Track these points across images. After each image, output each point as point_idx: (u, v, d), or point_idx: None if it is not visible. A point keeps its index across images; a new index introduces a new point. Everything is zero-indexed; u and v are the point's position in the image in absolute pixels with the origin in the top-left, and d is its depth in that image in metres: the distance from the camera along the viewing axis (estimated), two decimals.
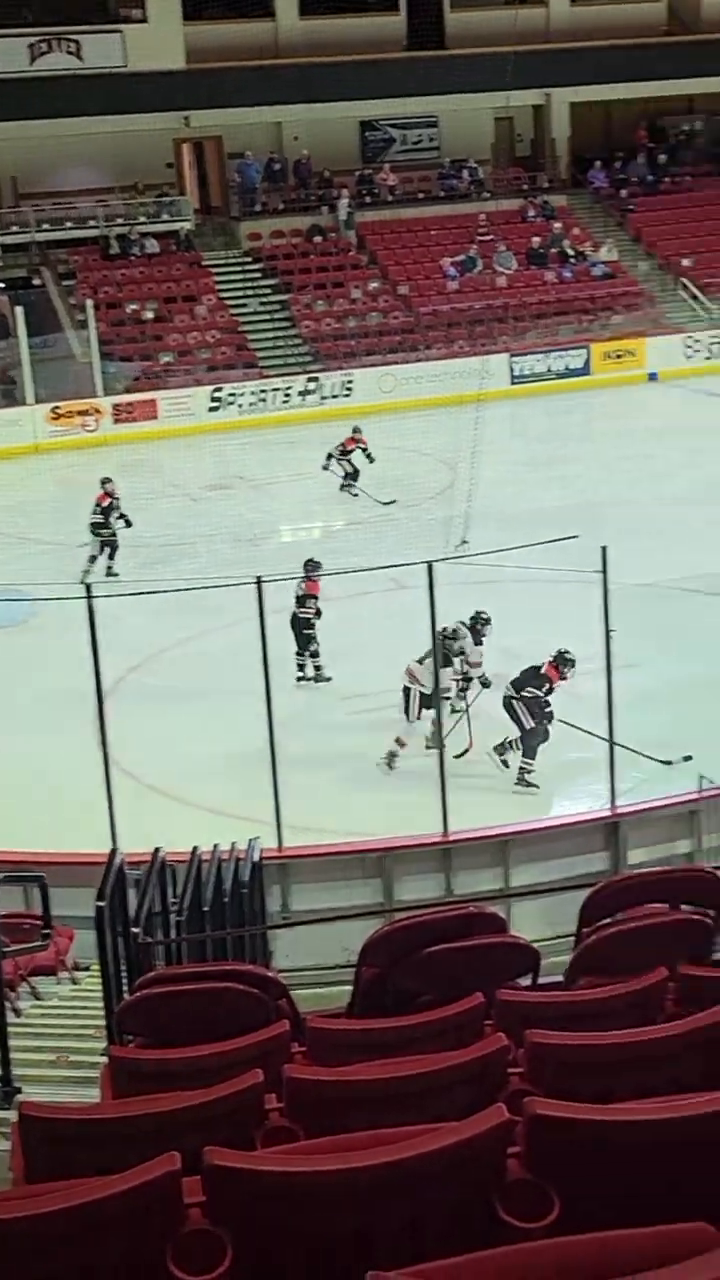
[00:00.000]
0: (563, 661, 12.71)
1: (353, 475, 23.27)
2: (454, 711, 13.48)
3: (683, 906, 5.73)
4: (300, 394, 30.91)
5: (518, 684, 12.81)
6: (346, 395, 30.94)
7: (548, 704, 12.70)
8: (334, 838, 11.62)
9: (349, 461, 23.26)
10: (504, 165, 38.80)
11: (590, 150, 38.93)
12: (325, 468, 23.33)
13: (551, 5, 37.98)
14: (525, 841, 11.38)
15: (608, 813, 11.51)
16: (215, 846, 9.36)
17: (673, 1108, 2.82)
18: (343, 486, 23.38)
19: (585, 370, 32.48)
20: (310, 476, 24.93)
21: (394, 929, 5.40)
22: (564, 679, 12.68)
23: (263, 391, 30.81)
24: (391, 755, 13.22)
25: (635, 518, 20.63)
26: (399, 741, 13.25)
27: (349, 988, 5.58)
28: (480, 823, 11.64)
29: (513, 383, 31.64)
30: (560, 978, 5.36)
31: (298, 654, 15.34)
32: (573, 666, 12.71)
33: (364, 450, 23.26)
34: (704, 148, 40.01)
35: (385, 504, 22.49)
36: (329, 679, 15.36)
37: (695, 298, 34.64)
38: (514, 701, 12.77)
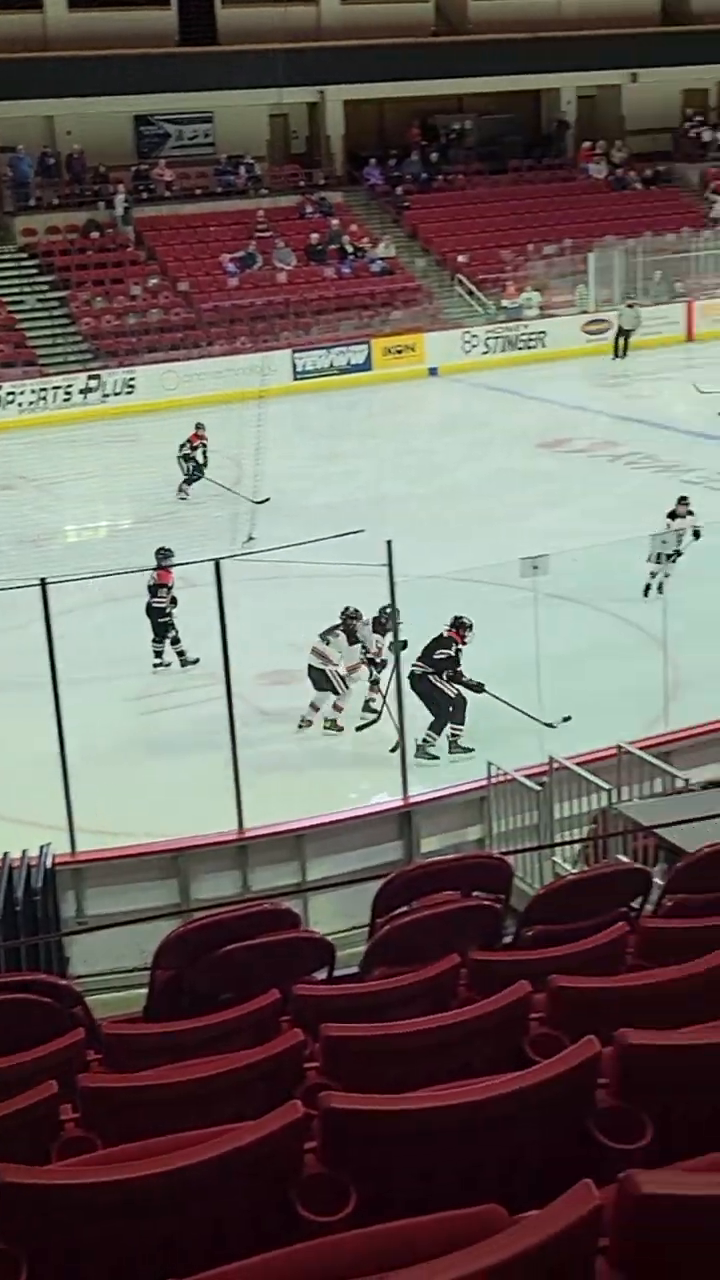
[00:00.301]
0: (460, 625, 13.21)
1: (194, 476, 22.77)
2: (371, 711, 13.77)
3: (474, 893, 5.84)
4: (81, 392, 30.44)
5: (426, 656, 13.05)
6: (129, 393, 30.61)
7: (458, 663, 13.10)
8: (133, 839, 11.49)
9: (194, 459, 22.81)
10: (280, 162, 38.89)
11: (365, 148, 39.33)
12: (197, 467, 22.88)
13: (322, 3, 38.18)
14: (320, 835, 11.43)
15: (400, 803, 11.64)
16: (5, 854, 9.17)
17: (464, 1093, 2.87)
18: (189, 482, 22.81)
19: (367, 365, 32.77)
20: (94, 475, 24.56)
21: (188, 930, 5.37)
22: (466, 642, 13.14)
23: (42, 390, 30.24)
24: (334, 721, 13.70)
25: (419, 511, 20.94)
26: (336, 707, 13.69)
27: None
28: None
29: (295, 378, 31.75)
30: (357, 969, 5.40)
31: (155, 641, 15.44)
32: (470, 629, 13.22)
33: (204, 448, 22.82)
34: (474, 146, 40.81)
35: (259, 502, 21.53)
36: (196, 660, 15.24)
37: (471, 294, 35.28)
38: (428, 676, 13.00)
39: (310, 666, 13.77)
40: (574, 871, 9.35)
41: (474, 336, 33.75)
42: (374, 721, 13.70)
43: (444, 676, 13.06)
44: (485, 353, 33.64)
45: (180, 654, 15.47)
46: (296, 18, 34.59)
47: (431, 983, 4.51)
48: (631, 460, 23.97)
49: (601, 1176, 2.29)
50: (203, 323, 33.18)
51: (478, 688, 13.15)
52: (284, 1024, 4.50)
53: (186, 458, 22.86)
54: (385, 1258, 2.20)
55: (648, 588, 15.99)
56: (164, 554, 15.58)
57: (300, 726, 13.83)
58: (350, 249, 35.96)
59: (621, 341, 33.30)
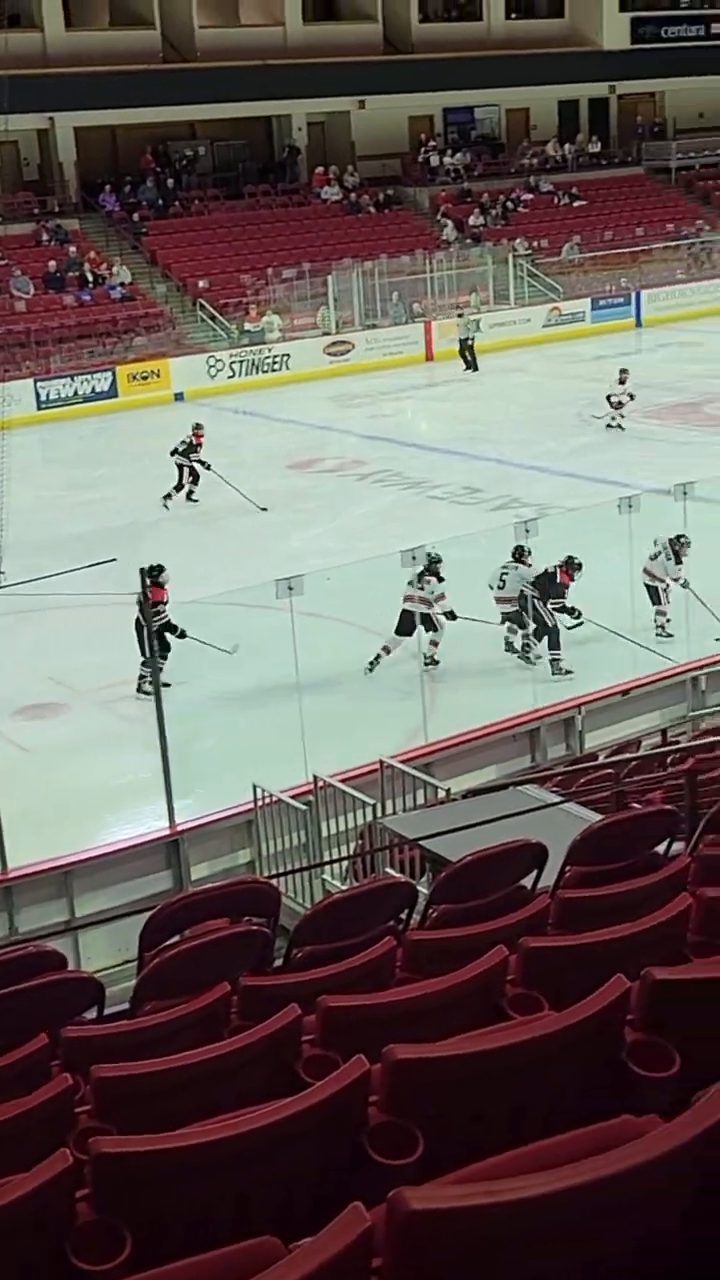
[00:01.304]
0: (571, 565, 15.00)
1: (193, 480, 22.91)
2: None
3: (244, 918, 5.82)
4: None
5: (540, 591, 14.91)
6: None
7: (562, 599, 15.04)
8: None
9: (202, 461, 22.91)
10: (12, 190, 38.19)
11: (99, 174, 38.99)
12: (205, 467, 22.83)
13: (47, 30, 37.73)
14: (87, 870, 11.22)
15: (167, 831, 11.53)
16: None
17: (236, 1124, 2.84)
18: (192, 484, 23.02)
19: (112, 393, 32.46)
20: None
21: None
22: (573, 579, 14.99)
23: None
24: (375, 660, 15.00)
25: (174, 536, 20.84)
26: (434, 644, 15.11)
27: None
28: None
29: (40, 408, 31.23)
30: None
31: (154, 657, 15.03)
32: (580, 569, 14.99)
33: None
34: (209, 172, 40.95)
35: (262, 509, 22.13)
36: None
37: (213, 318, 35.33)
38: (536, 602, 14.89)
39: (405, 613, 14.90)
40: (342, 889, 9.41)
41: (218, 361, 33.80)
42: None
43: (546, 603, 14.85)
44: (231, 376, 33.72)
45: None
46: (21, 44, 34.07)
47: (202, 1013, 4.46)
48: (379, 478, 24.35)
49: (376, 1194, 2.29)
50: None
51: (576, 615, 15.02)
52: (54, 1069, 4.39)
53: (198, 461, 23.00)
54: None
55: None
56: (155, 571, 14.97)
57: (428, 664, 14.92)
58: (90, 276, 35.59)
59: (468, 354, 33.92)
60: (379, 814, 10.54)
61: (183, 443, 23.17)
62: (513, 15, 44.77)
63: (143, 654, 14.69)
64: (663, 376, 31.82)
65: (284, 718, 13.68)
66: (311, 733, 12.77)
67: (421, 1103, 2.90)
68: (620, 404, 25.86)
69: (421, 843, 7.98)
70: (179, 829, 11.54)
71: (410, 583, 14.72)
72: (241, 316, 35.29)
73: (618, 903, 4.77)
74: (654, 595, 15.60)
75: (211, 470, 22.86)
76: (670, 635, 15.51)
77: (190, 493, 23.22)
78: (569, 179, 44.14)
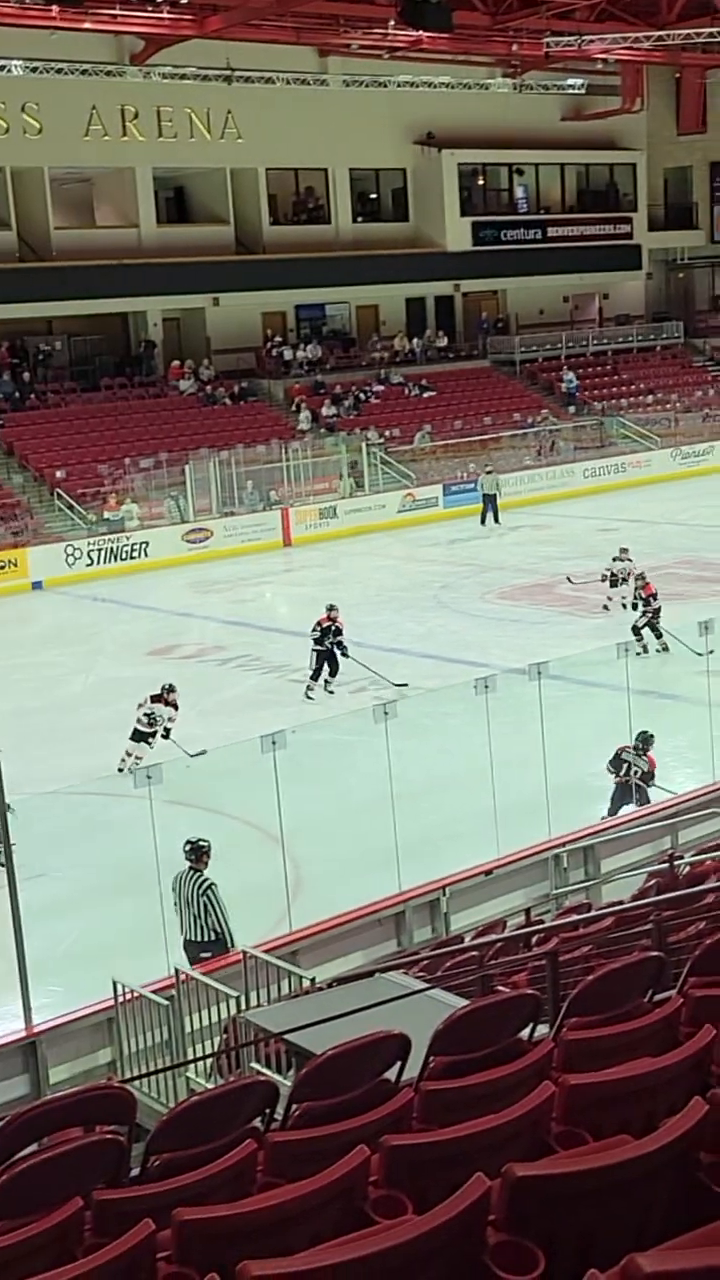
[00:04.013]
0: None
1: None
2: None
3: (97, 1126, 5.58)
4: None
5: None
6: None
7: None
8: None
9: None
10: None
11: None
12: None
13: None
14: None
15: (23, 1033, 11.08)
16: None
17: None
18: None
19: None
20: None
21: None
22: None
23: None
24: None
25: (35, 725, 20.54)
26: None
27: None
28: None
29: None
30: None
31: None
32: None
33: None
34: (66, 365, 41.58)
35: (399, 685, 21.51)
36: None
37: (71, 508, 35.48)
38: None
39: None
40: (207, 1087, 9.11)
41: (77, 549, 33.87)
42: None
43: None
44: (89, 564, 33.77)
45: None
46: None
47: (55, 1232, 4.23)
48: (240, 663, 24.41)
49: None
50: None
51: None
52: None
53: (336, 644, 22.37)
54: None
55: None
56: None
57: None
58: None
59: (490, 509, 36.57)
60: (243, 1006, 10.29)
61: (317, 627, 22.35)
62: (359, 219, 46.74)
63: None
64: (515, 559, 32.69)
65: (144, 909, 13.41)
66: (173, 924, 12.52)
67: None
68: (633, 578, 24.46)
69: (285, 1036, 7.78)
70: (35, 1030, 11.11)
71: None
72: (99, 505, 35.51)
73: (481, 1093, 4.68)
74: None
75: (349, 656, 22.27)
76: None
77: (327, 682, 22.23)
78: (418, 371, 45.68)
